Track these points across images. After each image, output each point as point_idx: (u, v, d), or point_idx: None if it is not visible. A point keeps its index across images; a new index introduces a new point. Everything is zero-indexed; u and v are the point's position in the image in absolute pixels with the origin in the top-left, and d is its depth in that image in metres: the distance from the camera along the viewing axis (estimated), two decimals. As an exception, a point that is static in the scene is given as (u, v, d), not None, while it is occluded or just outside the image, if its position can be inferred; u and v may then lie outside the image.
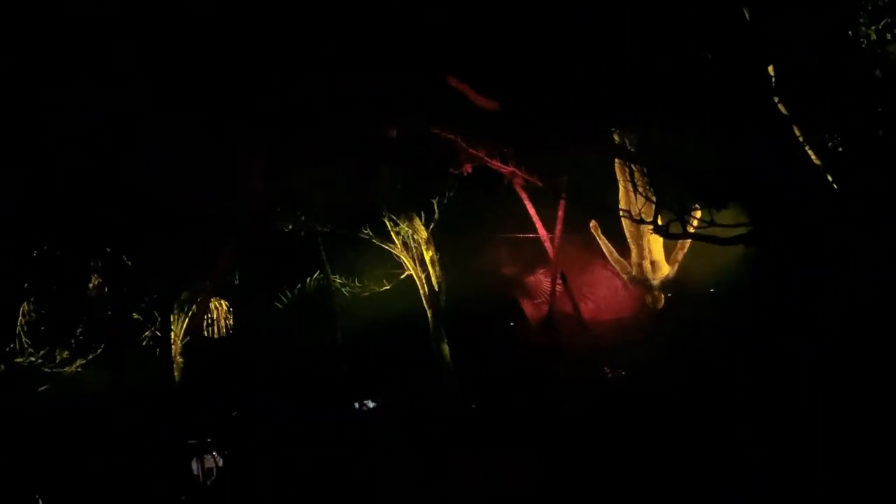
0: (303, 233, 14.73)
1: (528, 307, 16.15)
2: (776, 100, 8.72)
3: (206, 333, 14.86)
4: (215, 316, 15.16)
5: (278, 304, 14.92)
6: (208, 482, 13.25)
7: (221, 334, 14.98)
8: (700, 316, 11.76)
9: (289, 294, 15.14)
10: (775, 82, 8.84)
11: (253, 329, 15.04)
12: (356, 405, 14.47)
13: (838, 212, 8.89)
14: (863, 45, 9.89)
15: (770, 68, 8.88)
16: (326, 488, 10.65)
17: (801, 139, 8.82)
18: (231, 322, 14.86)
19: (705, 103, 9.41)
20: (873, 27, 10.58)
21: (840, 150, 9.13)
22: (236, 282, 14.87)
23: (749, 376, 8.41)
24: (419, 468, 10.40)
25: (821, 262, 8.94)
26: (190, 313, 13.67)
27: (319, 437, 12.32)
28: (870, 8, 10.47)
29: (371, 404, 14.64)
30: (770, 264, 8.93)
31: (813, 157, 9.00)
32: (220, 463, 13.25)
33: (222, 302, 15.23)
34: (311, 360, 14.18)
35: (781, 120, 8.78)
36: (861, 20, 9.93)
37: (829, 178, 9.04)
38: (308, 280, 15.17)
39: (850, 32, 9.24)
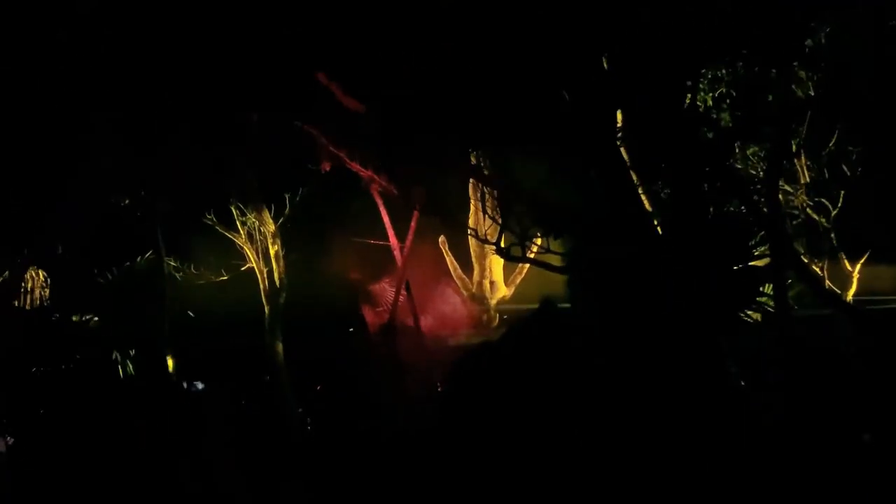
0: (139, 212, 13.98)
1: (369, 314, 16.17)
2: (619, 145, 9.38)
3: (17, 303, 13.71)
4: (30, 286, 14.01)
5: (101, 280, 13.97)
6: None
7: (35, 305, 13.86)
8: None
9: (115, 271, 14.23)
10: (621, 128, 9.51)
11: (73, 304, 14.01)
12: (184, 385, 13.74)
13: (661, 256, 9.64)
14: (700, 110, 10.92)
15: (619, 114, 9.54)
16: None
17: (637, 184, 9.52)
18: (47, 294, 13.78)
19: (558, 138, 9.97)
20: (710, 94, 11.74)
21: (669, 200, 9.95)
22: (59, 251, 13.84)
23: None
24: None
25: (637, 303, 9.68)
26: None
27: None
28: (709, 76, 11.60)
29: (200, 386, 13.97)
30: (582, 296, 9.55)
31: (646, 203, 9.76)
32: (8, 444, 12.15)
33: (39, 272, 14.10)
34: (134, 339, 13.39)
35: (622, 165, 9.44)
36: (700, 86, 10.98)
37: (656, 223, 9.83)
38: (139, 258, 14.33)
39: (689, 96, 10.12)
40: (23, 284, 13.41)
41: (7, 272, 12.43)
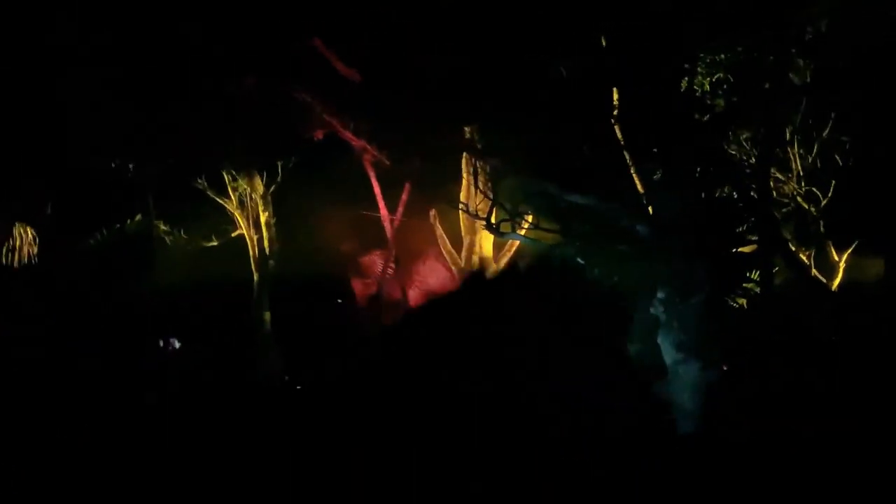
0: (130, 172, 13.88)
1: (357, 286, 16.18)
2: (614, 123, 9.36)
3: (4, 260, 13.65)
4: (17, 244, 13.93)
5: (92, 242, 13.89)
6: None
7: (22, 263, 13.79)
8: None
9: (105, 233, 14.13)
10: (617, 108, 9.48)
11: (63, 263, 13.95)
12: (160, 342, 13.65)
13: (652, 241, 9.66)
14: (696, 94, 10.87)
15: (615, 93, 9.50)
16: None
17: (630, 164, 9.51)
18: (35, 251, 13.70)
19: (554, 116, 9.93)
20: (707, 79, 11.68)
21: (661, 181, 9.95)
22: (48, 211, 13.75)
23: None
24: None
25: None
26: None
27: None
28: (707, 60, 11.54)
29: (177, 344, 13.88)
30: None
31: (637, 183, 9.76)
32: None
33: (28, 229, 14.01)
34: (119, 300, 13.31)
35: (616, 144, 9.43)
36: (699, 70, 10.93)
37: (648, 205, 9.83)
38: (129, 221, 14.23)
39: (686, 79, 10.09)
40: (10, 241, 13.33)
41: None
